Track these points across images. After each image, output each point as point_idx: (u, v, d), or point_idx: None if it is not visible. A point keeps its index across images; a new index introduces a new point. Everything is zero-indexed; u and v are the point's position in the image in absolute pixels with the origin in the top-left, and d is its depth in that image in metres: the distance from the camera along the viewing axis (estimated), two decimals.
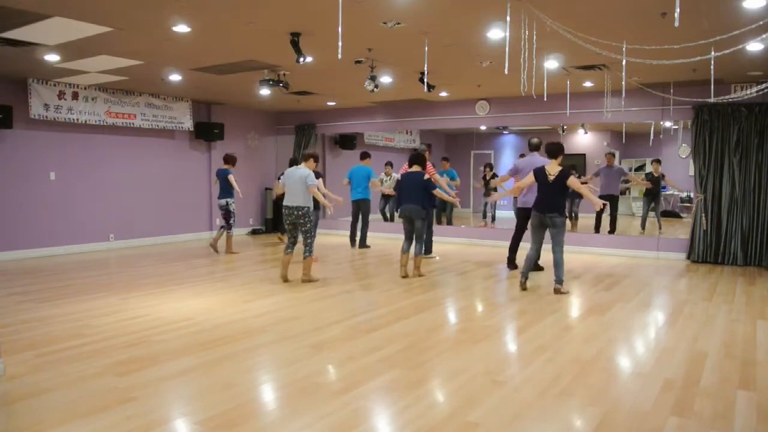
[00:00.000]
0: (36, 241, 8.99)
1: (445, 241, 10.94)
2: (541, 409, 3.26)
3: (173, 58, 7.18)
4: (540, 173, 6.35)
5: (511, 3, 4.64)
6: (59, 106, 8.94)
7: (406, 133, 14.13)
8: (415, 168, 7.30)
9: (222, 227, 9.17)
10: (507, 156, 14.76)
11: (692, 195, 9.44)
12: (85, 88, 9.20)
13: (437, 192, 7.32)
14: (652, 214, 10.77)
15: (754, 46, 5.82)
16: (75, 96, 9.13)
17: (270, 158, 12.99)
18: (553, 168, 6.30)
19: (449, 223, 11.96)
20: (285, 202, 6.76)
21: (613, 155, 10.56)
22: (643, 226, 10.87)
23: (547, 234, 6.34)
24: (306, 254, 6.82)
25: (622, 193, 12.52)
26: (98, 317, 5.23)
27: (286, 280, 6.85)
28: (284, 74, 8.03)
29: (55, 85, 8.83)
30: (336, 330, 4.89)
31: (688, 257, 8.81)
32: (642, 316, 5.39)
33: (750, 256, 8.37)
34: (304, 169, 6.73)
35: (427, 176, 7.20)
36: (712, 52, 5.14)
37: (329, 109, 12.26)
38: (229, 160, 9.16)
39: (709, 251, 8.61)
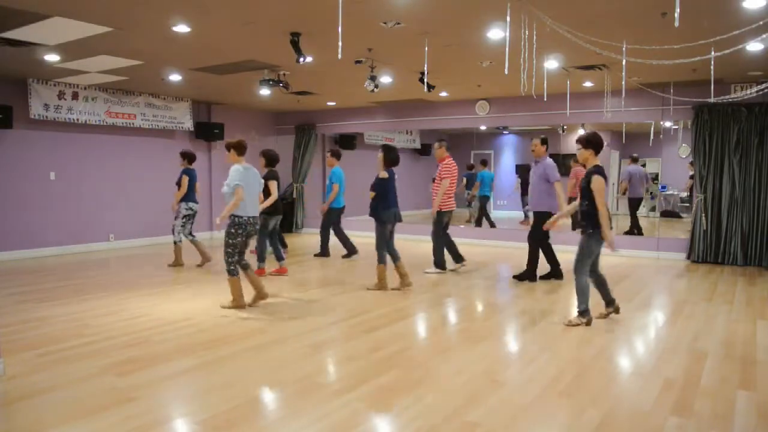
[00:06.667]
0: (36, 241, 8.99)
1: None
2: (541, 409, 3.26)
3: (173, 58, 7.18)
4: None
5: (511, 3, 4.64)
6: (59, 106, 8.93)
7: (406, 133, 14.14)
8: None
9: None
10: (507, 156, 14.78)
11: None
12: (85, 88, 9.20)
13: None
14: (651, 213, 10.86)
15: (754, 46, 5.82)
16: (75, 96, 9.12)
17: None
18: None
19: (479, 224, 11.81)
20: None
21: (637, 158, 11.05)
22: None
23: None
24: None
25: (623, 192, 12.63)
26: (98, 317, 5.23)
27: None
28: (284, 74, 8.03)
29: (55, 85, 8.83)
30: (336, 330, 4.89)
31: (688, 257, 8.81)
32: (642, 316, 5.39)
33: (750, 256, 8.37)
34: None
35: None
36: (712, 52, 5.14)
37: (329, 109, 12.25)
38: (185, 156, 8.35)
39: (709, 251, 8.60)
